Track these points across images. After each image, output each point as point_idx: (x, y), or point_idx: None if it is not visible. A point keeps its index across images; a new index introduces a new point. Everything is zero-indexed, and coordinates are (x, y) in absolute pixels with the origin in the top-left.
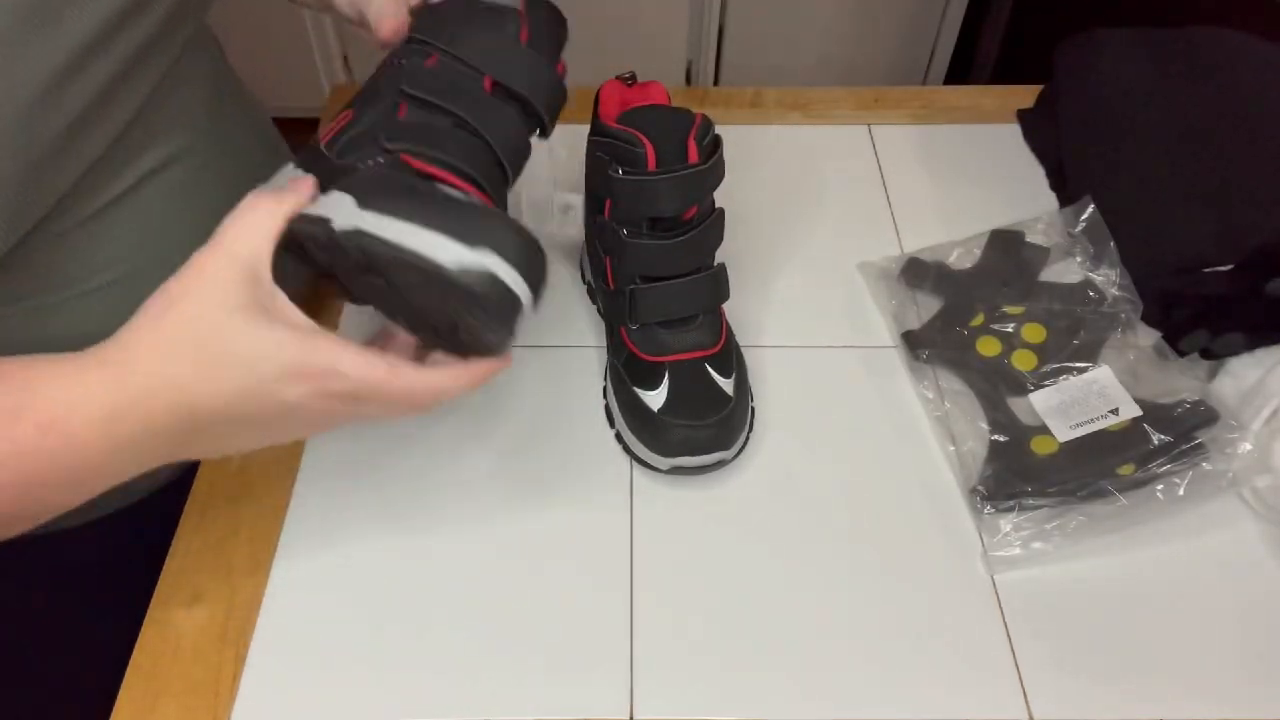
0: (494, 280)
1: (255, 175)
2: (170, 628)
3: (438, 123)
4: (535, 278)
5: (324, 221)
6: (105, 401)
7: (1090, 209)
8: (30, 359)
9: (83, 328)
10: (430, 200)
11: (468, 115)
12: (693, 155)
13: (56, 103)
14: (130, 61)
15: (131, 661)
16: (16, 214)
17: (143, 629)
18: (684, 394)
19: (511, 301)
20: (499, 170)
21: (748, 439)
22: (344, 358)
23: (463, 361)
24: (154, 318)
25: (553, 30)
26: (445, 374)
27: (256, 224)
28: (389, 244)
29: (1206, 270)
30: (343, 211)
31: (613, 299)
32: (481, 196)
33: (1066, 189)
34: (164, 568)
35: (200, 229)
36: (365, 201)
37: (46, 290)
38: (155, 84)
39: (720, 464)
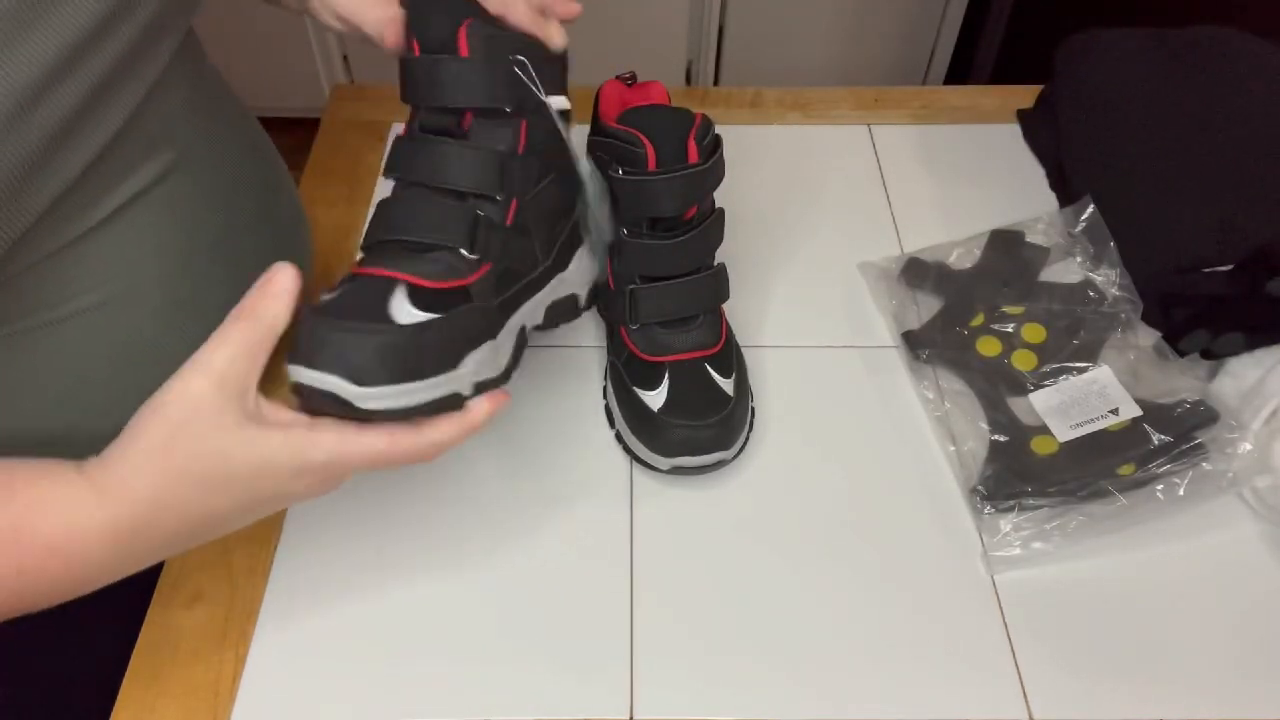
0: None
1: (247, 188)
2: (170, 628)
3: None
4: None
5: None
6: (114, 526)
7: (1090, 209)
8: (33, 473)
9: (70, 350)
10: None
11: None
12: (693, 155)
13: (32, 117)
14: (109, 76)
15: (131, 661)
16: None
17: (143, 629)
18: (684, 394)
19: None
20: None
21: (748, 439)
22: (345, 444)
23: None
24: (154, 449)
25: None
26: (442, 426)
27: (240, 352)
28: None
29: (1206, 270)
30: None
31: (613, 299)
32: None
33: (1066, 189)
34: (164, 568)
35: (192, 244)
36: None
37: (33, 312)
38: (139, 100)
39: (720, 464)
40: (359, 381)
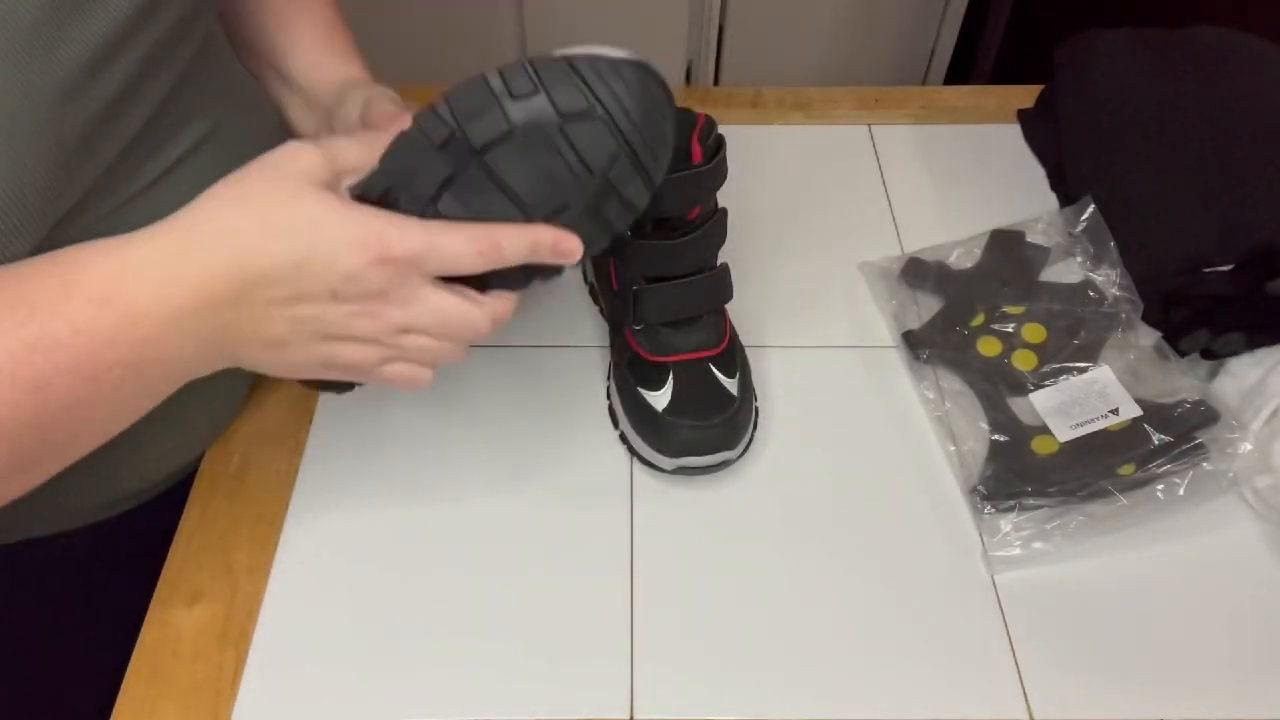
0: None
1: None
2: (170, 628)
3: None
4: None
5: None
6: (164, 264)
7: (1090, 209)
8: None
9: None
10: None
11: None
12: (696, 155)
13: (87, 92)
14: (154, 51)
15: (131, 661)
16: (49, 201)
17: (143, 629)
18: (689, 394)
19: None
20: None
21: (752, 438)
22: (408, 224)
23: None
24: (229, 181)
25: None
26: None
27: (361, 156)
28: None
29: (1206, 270)
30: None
31: (616, 299)
32: None
33: (1066, 189)
34: (164, 568)
35: None
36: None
37: None
38: (180, 73)
39: (725, 464)
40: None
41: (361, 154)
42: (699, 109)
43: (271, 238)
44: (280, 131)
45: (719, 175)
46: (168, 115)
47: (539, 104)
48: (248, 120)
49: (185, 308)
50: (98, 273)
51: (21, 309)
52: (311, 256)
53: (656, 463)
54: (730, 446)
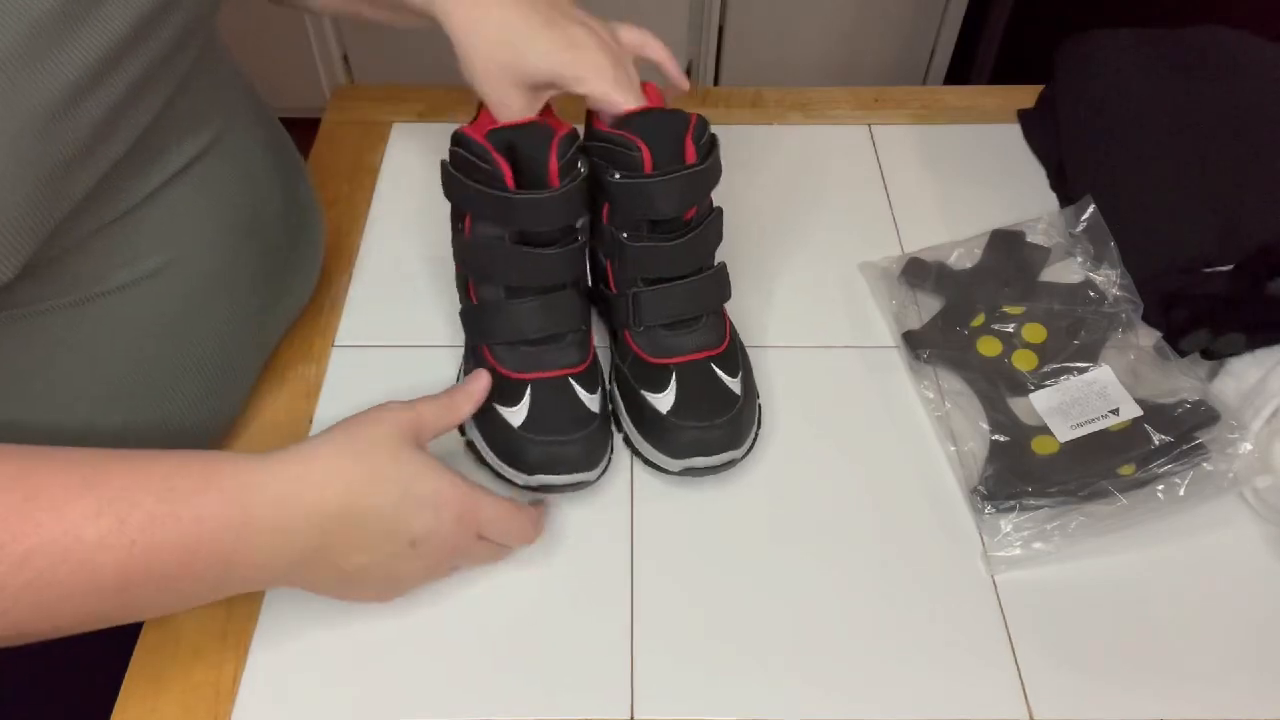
0: None
1: (271, 173)
2: (170, 627)
3: None
4: None
5: None
6: (284, 485)
7: (1090, 209)
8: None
9: (119, 322)
10: None
11: None
12: (690, 156)
13: (77, 111)
14: (147, 72)
15: (132, 661)
16: (37, 219)
17: (143, 629)
18: (693, 395)
19: None
20: None
21: (757, 437)
22: (480, 494)
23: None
24: (338, 438)
25: None
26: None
27: (436, 420)
28: None
29: (1207, 270)
30: None
31: (615, 303)
32: None
33: (1066, 189)
34: None
35: (225, 222)
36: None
37: (78, 288)
38: (177, 85)
39: (731, 464)
40: None
41: (443, 417)
42: (699, 109)
43: (377, 484)
44: (286, 146)
45: (713, 175)
46: (164, 127)
47: None
48: (250, 133)
49: (293, 522)
50: (233, 480)
51: (162, 486)
52: (405, 500)
53: (662, 464)
54: (736, 446)
